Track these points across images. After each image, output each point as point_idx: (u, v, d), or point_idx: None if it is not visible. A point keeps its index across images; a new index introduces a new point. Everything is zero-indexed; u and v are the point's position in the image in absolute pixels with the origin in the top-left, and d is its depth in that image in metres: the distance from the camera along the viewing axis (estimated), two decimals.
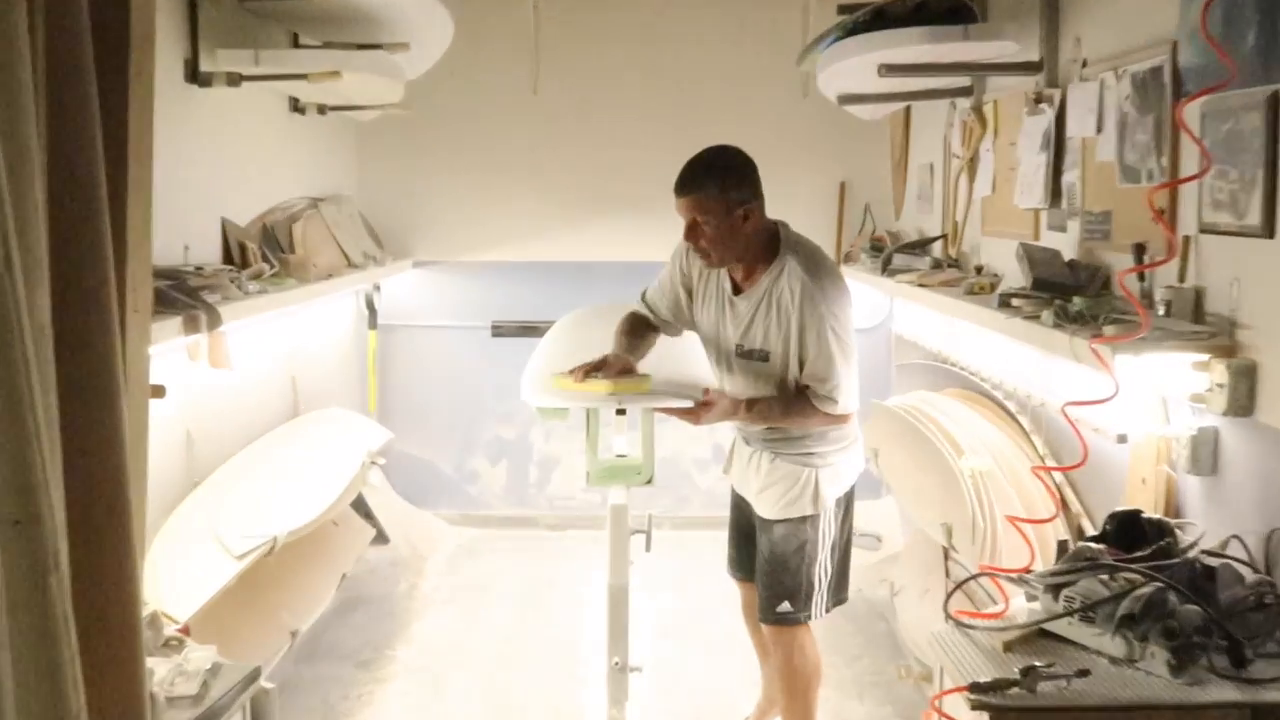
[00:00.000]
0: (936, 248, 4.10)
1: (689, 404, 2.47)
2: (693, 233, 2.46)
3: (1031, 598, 1.99)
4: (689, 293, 2.67)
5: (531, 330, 4.93)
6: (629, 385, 2.53)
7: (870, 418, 3.56)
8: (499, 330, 5.14)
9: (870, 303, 4.80)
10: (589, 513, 5.09)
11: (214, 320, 2.67)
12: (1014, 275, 3.08)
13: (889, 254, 4.13)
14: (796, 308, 2.43)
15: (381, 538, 4.60)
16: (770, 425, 2.59)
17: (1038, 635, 1.88)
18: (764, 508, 2.69)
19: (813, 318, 2.42)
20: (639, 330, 2.73)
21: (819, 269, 2.47)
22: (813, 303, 2.41)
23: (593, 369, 2.54)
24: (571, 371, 2.56)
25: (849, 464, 2.67)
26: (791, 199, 4.68)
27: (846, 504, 2.70)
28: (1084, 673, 1.73)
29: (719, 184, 2.41)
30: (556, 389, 2.55)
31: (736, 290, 2.56)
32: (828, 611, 2.68)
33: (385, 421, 4.96)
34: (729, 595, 3.13)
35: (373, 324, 5.11)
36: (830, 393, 2.47)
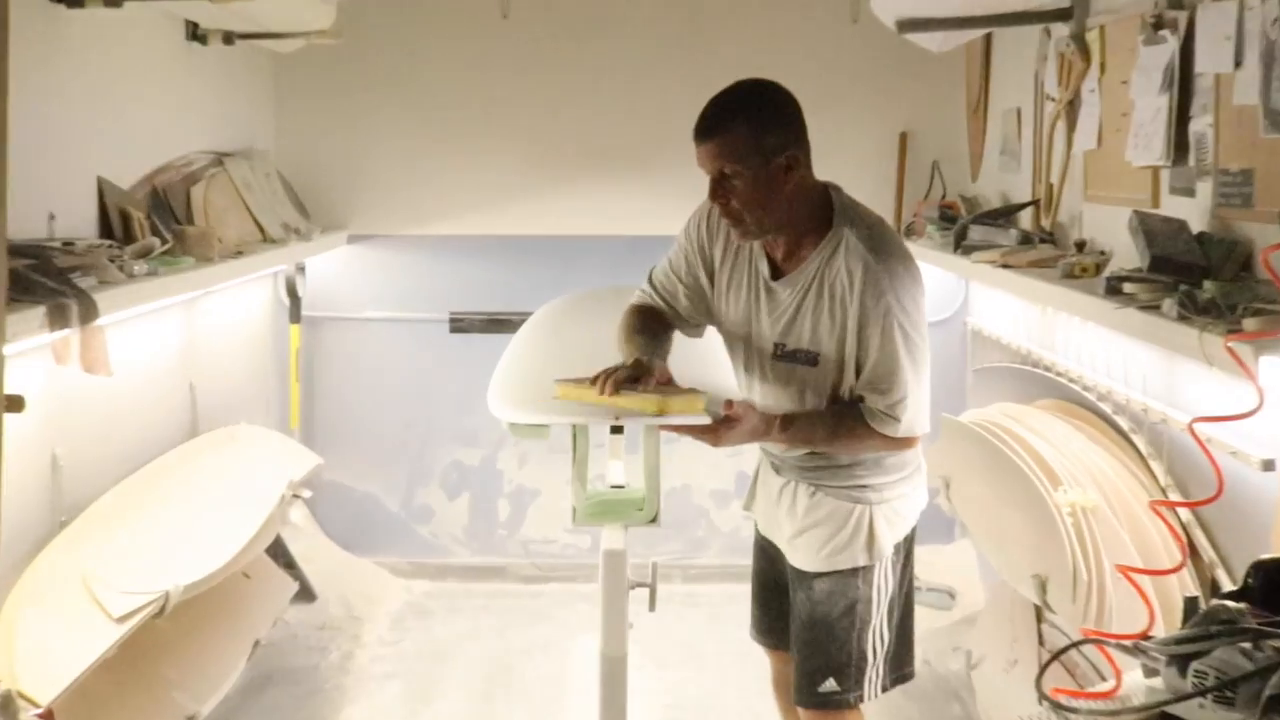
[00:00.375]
0: (1025, 217, 4.13)
1: (706, 420, 2.46)
2: (719, 190, 2.47)
3: (1151, 672, 1.95)
4: (710, 275, 2.67)
5: (501, 324, 4.96)
6: (680, 403, 2.45)
7: (939, 437, 3.58)
8: (459, 325, 5.16)
9: (939, 289, 4.79)
10: (576, 561, 5.13)
11: (88, 312, 2.67)
12: (1126, 253, 3.09)
13: (963, 226, 4.15)
14: (856, 296, 2.44)
15: (306, 594, 4.63)
16: (812, 449, 2.61)
17: None
18: (801, 557, 2.70)
19: (876, 309, 2.42)
20: (652, 327, 2.68)
21: (886, 246, 2.47)
22: (877, 290, 2.42)
23: (623, 379, 2.47)
24: (592, 380, 2.50)
25: (911, 499, 2.69)
26: (836, 156, 4.67)
27: (908, 551, 2.72)
28: None
29: (754, 124, 2.41)
30: (562, 400, 2.54)
31: (776, 272, 2.57)
32: (885, 690, 2.68)
33: (311, 442, 4.98)
34: (756, 667, 3.13)
35: (295, 316, 5.12)
36: (893, 409, 2.48)
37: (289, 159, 5.08)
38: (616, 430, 3.27)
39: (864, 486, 2.62)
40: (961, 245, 4.07)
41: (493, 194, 5.13)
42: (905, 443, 2.55)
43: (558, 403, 2.56)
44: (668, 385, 2.52)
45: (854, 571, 2.63)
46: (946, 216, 4.51)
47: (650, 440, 2.97)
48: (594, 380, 2.48)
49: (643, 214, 4.85)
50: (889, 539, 2.64)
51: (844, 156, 4.73)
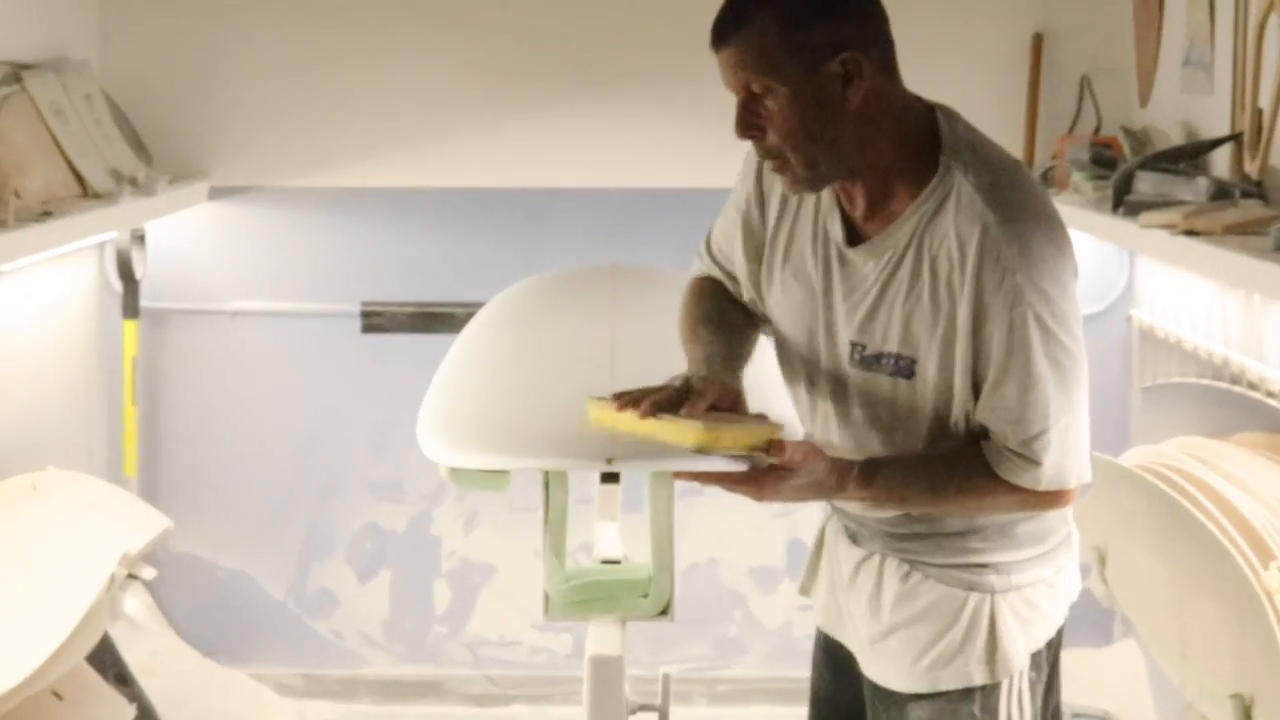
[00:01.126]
0: (1220, 159, 4.13)
1: (743, 466, 2.43)
2: (748, 118, 2.50)
3: None
4: (762, 230, 2.71)
5: (436, 321, 5.00)
6: (738, 436, 2.42)
7: (1091, 490, 3.50)
8: (375, 321, 5.20)
9: (1090, 267, 4.47)
10: (549, 672, 5.14)
11: None
12: None
13: (1127, 173, 4.14)
14: (969, 276, 2.45)
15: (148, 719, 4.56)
16: (908, 510, 2.62)
17: None
18: (888, 669, 2.70)
19: (1001, 296, 2.44)
20: (726, 315, 2.73)
21: (1018, 201, 2.49)
22: (1002, 267, 2.43)
23: (666, 399, 2.45)
24: (619, 400, 2.47)
25: (1056, 585, 2.70)
26: (938, 67, 4.53)
27: (1052, 662, 2.71)
28: None
29: (787, 14, 2.43)
30: (596, 425, 2.52)
31: (854, 237, 2.59)
32: None
33: (155, 496, 4.98)
34: None
35: (130, 308, 5.11)
36: (1030, 448, 2.48)
37: (121, 75, 5.06)
38: (610, 478, 3.32)
39: (983, 566, 2.63)
40: (1124, 202, 4.07)
41: (424, 126, 5.14)
42: (1051, 499, 2.55)
43: (518, 439, 2.63)
44: (731, 411, 2.49)
45: (967, 694, 2.61)
46: (1102, 159, 4.49)
47: (659, 493, 2.99)
48: (619, 398, 2.47)
49: (651, 155, 4.91)
50: (1021, 645, 2.63)
51: (948, 70, 4.63)
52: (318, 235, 5.23)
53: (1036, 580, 2.64)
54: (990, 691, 2.61)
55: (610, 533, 3.32)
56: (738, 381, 2.57)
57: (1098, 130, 4.91)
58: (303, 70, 5.16)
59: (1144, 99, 4.87)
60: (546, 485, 2.96)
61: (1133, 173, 4.12)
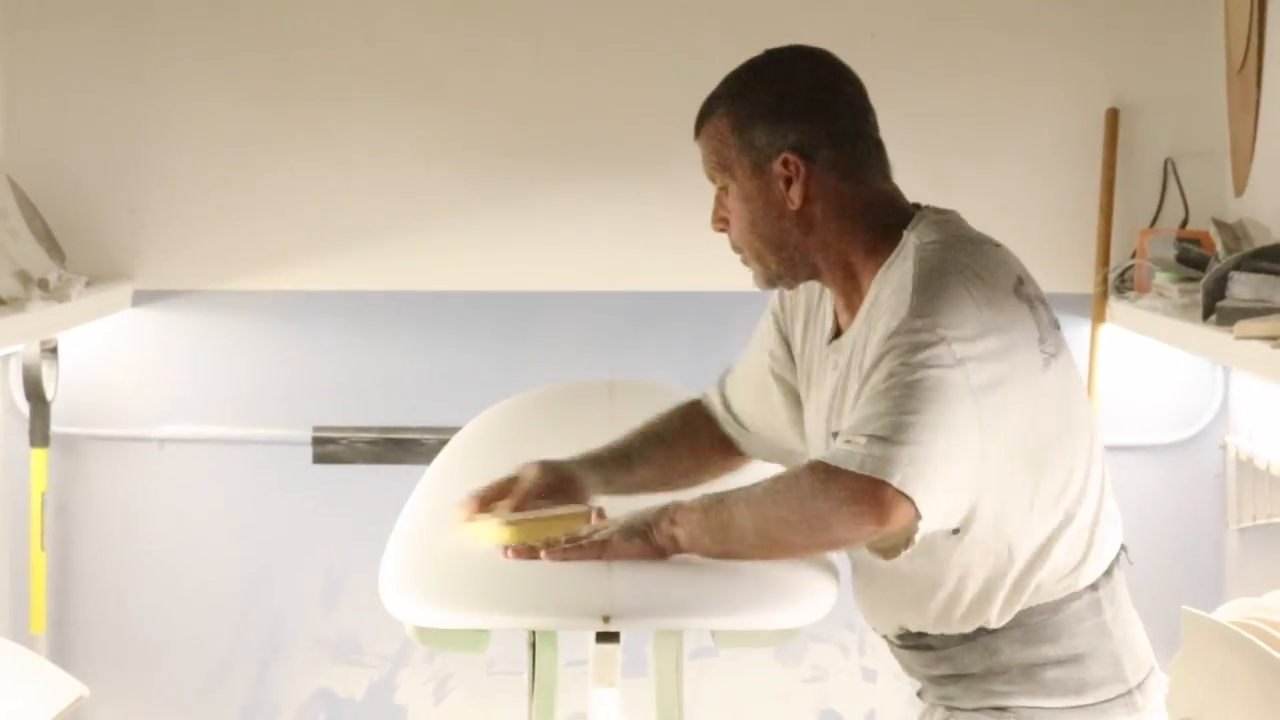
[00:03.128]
0: None
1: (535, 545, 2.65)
2: (717, 213, 2.77)
3: None
4: (793, 373, 2.89)
5: (400, 449, 5.06)
6: (560, 522, 2.73)
7: (1181, 652, 3.68)
8: (328, 449, 5.20)
9: (1174, 385, 4.89)
10: None
11: None
12: None
13: (1220, 274, 4.12)
14: (880, 335, 2.61)
15: None
16: (735, 543, 2.64)
17: None
18: None
19: (888, 334, 2.58)
20: (676, 430, 2.99)
21: (954, 257, 2.62)
22: (897, 314, 2.58)
23: (494, 495, 2.83)
24: (473, 501, 2.83)
25: None
26: (994, 149, 4.89)
27: None
28: None
29: (735, 112, 2.70)
30: (459, 532, 2.80)
31: (837, 331, 2.80)
32: None
33: (67, 658, 5.00)
34: None
35: (39, 435, 5.07)
36: (860, 436, 2.54)
37: (29, 161, 5.04)
38: (608, 637, 3.09)
39: (1003, 710, 2.73)
40: (1217, 308, 4.03)
41: (386, 218, 5.16)
42: (862, 496, 2.52)
43: (499, 592, 2.64)
44: (550, 497, 2.84)
45: None
46: (1190, 257, 4.46)
47: (666, 653, 2.80)
48: (469, 502, 2.83)
49: (655, 253, 4.92)
50: None
51: (1001, 151, 4.87)
52: (261, 348, 5.20)
53: None
54: None
55: (606, 703, 3.10)
56: (585, 473, 2.91)
57: (1185, 223, 4.91)
58: (243, 153, 5.16)
59: (1239, 187, 4.83)
60: (533, 645, 2.84)
61: (1227, 274, 4.11)
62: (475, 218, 5.13)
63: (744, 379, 2.99)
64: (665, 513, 2.65)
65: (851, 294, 2.74)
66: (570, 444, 3.00)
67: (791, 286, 2.81)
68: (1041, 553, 2.62)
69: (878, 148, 2.72)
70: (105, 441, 5.15)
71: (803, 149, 2.66)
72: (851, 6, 4.94)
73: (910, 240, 2.68)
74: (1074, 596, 2.65)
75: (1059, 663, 2.69)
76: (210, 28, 5.08)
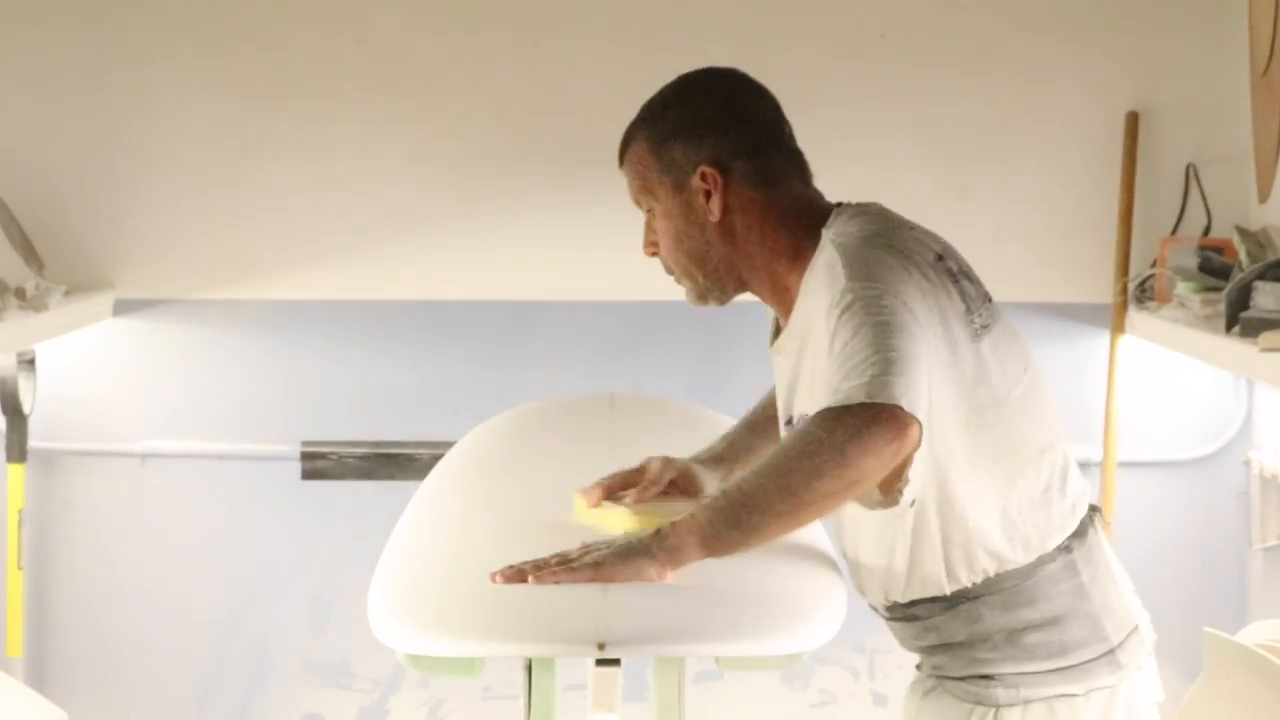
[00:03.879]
0: None
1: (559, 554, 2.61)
2: (647, 238, 2.95)
3: None
4: None
5: (393, 465, 5.05)
6: (661, 520, 2.69)
7: (1202, 675, 3.70)
8: (317, 465, 5.18)
9: (1199, 397, 4.91)
10: None
11: None
12: None
13: (1243, 283, 4.15)
14: (825, 313, 2.70)
15: None
16: (739, 539, 2.64)
17: None
18: None
19: (834, 302, 2.67)
20: (761, 420, 3.11)
21: (861, 240, 2.76)
22: (835, 286, 2.70)
23: (619, 485, 2.94)
24: (598, 489, 2.93)
25: (1087, 704, 2.78)
26: (1009, 153, 4.91)
27: None
28: None
29: (653, 134, 2.88)
30: (581, 519, 2.90)
31: (777, 332, 2.97)
32: None
33: (44, 682, 5.02)
34: None
35: (16, 450, 5.08)
36: (855, 376, 2.58)
37: (4, 166, 5.04)
38: (607, 662, 3.07)
39: (989, 678, 2.81)
40: (1240, 319, 4.06)
41: (378, 226, 5.14)
42: (874, 419, 2.56)
43: (495, 618, 2.60)
44: (675, 491, 2.96)
45: None
46: (1212, 266, 4.47)
47: (667, 678, 2.83)
48: (592, 490, 2.93)
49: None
50: None
51: (1017, 156, 4.90)
52: (247, 360, 5.18)
53: (1055, 696, 2.78)
54: None
55: None
56: (704, 470, 3.02)
57: (1207, 231, 4.89)
58: (228, 157, 5.13)
59: (1263, 193, 4.78)
60: (529, 669, 2.87)
61: (1251, 283, 4.14)
62: (469, 224, 5.13)
63: None
64: (661, 531, 2.65)
65: (782, 299, 2.87)
66: (571, 458, 3.08)
67: (722, 302, 2.94)
68: (992, 513, 2.72)
69: (794, 155, 2.87)
70: (85, 457, 5.15)
71: (719, 161, 2.82)
72: (861, 6, 4.97)
73: (828, 237, 2.80)
74: (1045, 560, 2.74)
75: (1039, 626, 2.76)
76: (191, 30, 5.08)
